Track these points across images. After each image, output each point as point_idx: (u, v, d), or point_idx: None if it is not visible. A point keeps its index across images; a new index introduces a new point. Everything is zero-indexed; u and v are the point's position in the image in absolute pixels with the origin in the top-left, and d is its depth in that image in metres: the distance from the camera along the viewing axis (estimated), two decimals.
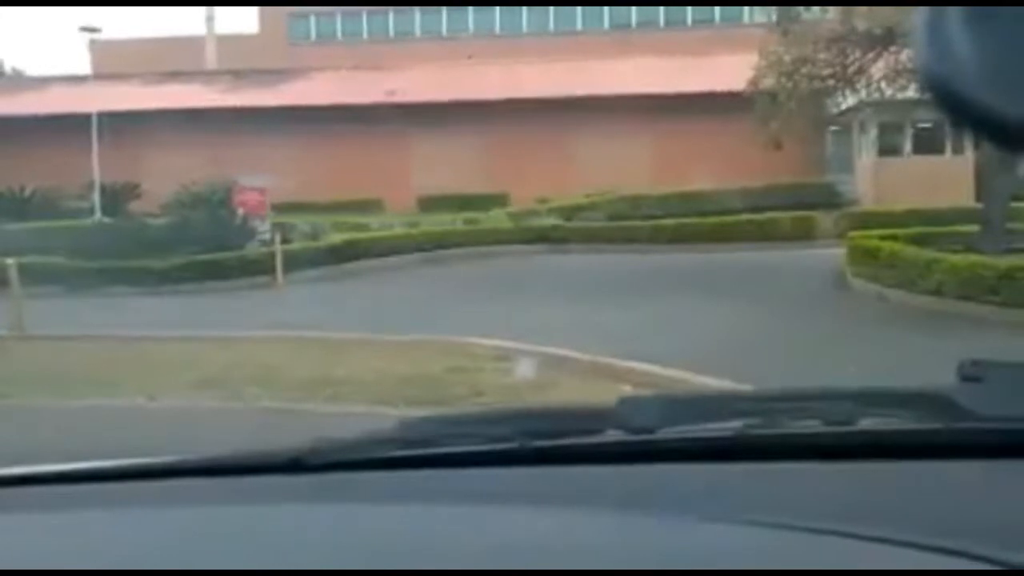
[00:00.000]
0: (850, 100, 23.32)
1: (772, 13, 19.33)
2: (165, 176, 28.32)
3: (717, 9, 38.09)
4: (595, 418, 1.42)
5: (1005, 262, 13.17)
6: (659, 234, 23.17)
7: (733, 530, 1.05)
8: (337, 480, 1.27)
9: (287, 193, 26.23)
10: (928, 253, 14.34)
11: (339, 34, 41.67)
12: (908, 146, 29.08)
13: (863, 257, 15.60)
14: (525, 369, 9.28)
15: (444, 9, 40.45)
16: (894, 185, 26.66)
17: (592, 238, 23.45)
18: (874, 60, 18.02)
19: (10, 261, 13.59)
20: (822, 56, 18.12)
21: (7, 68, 49.03)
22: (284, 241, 19.51)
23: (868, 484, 1.17)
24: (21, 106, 35.30)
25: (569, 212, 25.86)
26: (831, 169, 32.04)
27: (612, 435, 1.32)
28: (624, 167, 30.52)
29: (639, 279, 17.18)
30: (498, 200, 29.84)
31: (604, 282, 16.79)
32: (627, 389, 7.67)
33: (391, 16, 41.14)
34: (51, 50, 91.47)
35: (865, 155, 29.70)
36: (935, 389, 1.34)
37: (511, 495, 1.19)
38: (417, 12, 40.83)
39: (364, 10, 40.96)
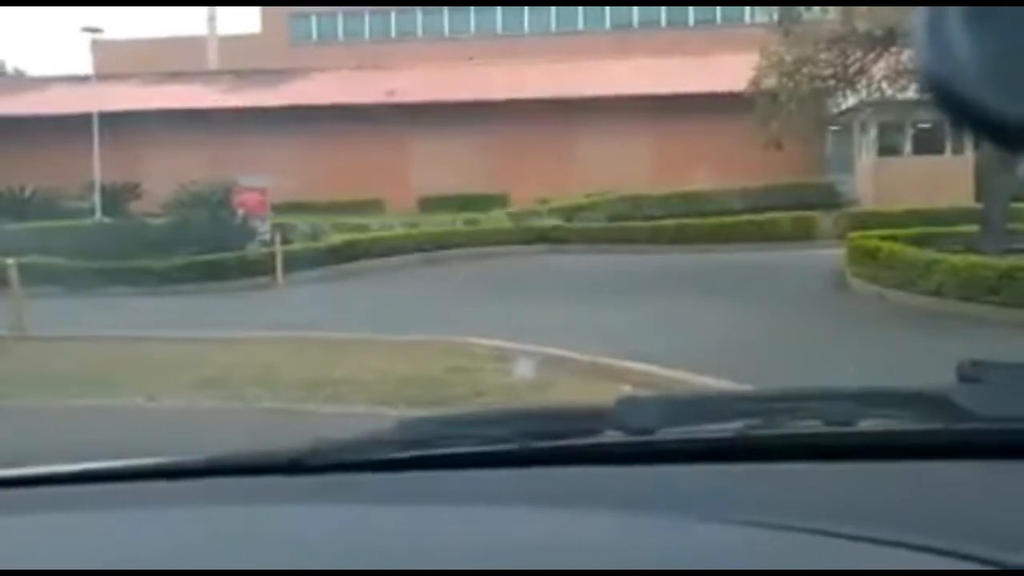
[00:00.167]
0: (850, 100, 23.33)
1: (773, 13, 19.36)
2: (165, 176, 28.34)
3: (718, 9, 38.09)
4: (595, 419, 1.42)
5: (1005, 262, 13.17)
6: (659, 234, 23.17)
7: (733, 530, 1.05)
8: (337, 481, 1.27)
9: (287, 193, 26.25)
10: (928, 253, 14.33)
11: (340, 34, 41.69)
12: (908, 146, 29.09)
13: (863, 257, 15.60)
14: (525, 369, 9.28)
15: (446, 9, 40.46)
16: (894, 185, 26.66)
17: (592, 238, 23.46)
18: (875, 60, 18.02)
19: (10, 261, 13.59)
20: (823, 56, 18.13)
21: (8, 68, 49.08)
22: (284, 241, 19.51)
23: (868, 484, 1.17)
24: (22, 106, 35.32)
25: (569, 212, 25.86)
26: (831, 169, 32.05)
27: (612, 436, 1.32)
28: (624, 167, 30.52)
29: (639, 279, 17.18)
30: (498, 200, 29.86)
31: (604, 282, 16.79)
32: (627, 389, 7.66)
33: (393, 16, 41.15)
34: (53, 50, 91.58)
35: (865, 155, 29.70)
36: (935, 389, 1.34)
37: (511, 496, 1.19)
38: (419, 12, 40.83)
39: (366, 10, 40.97)
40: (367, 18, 41.41)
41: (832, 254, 17.70)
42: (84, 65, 36.25)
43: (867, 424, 1.32)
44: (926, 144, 27.89)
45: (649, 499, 1.14)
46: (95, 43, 36.11)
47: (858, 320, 13.02)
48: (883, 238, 15.76)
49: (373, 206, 30.34)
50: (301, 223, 22.56)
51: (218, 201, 24.56)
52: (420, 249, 21.63)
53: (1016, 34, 0.66)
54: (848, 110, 25.91)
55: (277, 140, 32.30)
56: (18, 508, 1.26)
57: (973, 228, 16.46)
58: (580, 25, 40.11)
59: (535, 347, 10.13)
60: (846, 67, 18.30)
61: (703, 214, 24.65)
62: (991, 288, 12.58)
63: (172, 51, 39.95)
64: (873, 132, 28.95)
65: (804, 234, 22.52)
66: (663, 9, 39.15)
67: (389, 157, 33.02)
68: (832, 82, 18.82)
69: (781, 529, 1.03)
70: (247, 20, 72.85)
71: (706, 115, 30.14)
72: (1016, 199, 17.00)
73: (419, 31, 41.03)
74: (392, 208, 30.59)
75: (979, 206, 17.53)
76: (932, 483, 1.17)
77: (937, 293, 13.28)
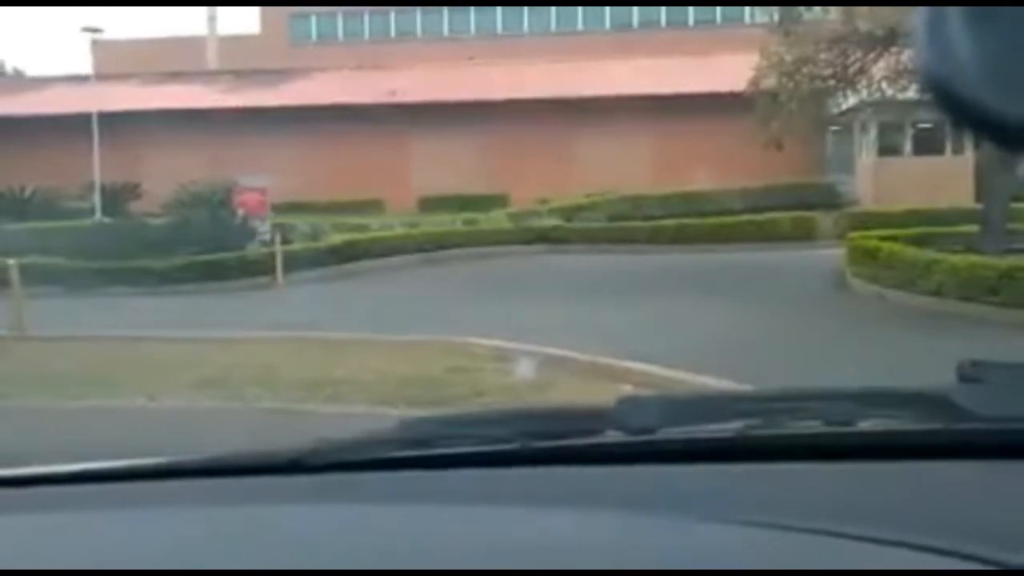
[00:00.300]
0: (851, 100, 23.33)
1: (773, 13, 19.36)
2: (165, 176, 28.36)
3: (718, 9, 38.09)
4: (595, 418, 1.42)
5: (1005, 262, 13.17)
6: (659, 234, 23.18)
7: (733, 530, 1.05)
8: (337, 480, 1.27)
9: (287, 193, 26.26)
10: (928, 253, 14.33)
11: (340, 34, 41.69)
12: (908, 146, 29.10)
13: (863, 257, 15.60)
14: (525, 369, 9.28)
15: (445, 9, 40.45)
16: (894, 185, 26.67)
17: (592, 238, 23.46)
18: (875, 60, 18.02)
19: (11, 261, 13.59)
20: (823, 56, 18.13)
21: (8, 68, 49.08)
22: (284, 241, 19.52)
23: (868, 484, 1.17)
24: (22, 106, 35.33)
25: (569, 212, 25.86)
26: (831, 169, 32.06)
27: (612, 435, 1.32)
28: (624, 167, 30.53)
29: (639, 279, 17.18)
30: (498, 200, 29.87)
31: (604, 282, 16.79)
32: (627, 389, 7.66)
33: (392, 16, 41.14)
34: (53, 50, 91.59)
35: (865, 155, 29.71)
36: (935, 389, 1.34)
37: (511, 496, 1.19)
38: (418, 12, 40.83)
39: (365, 10, 40.97)
40: (367, 18, 41.41)
41: (832, 254, 17.71)
42: (84, 65, 36.20)
43: (867, 424, 1.32)
44: (926, 144, 27.90)
45: (649, 499, 1.14)
46: (95, 43, 36.10)
47: (858, 320, 13.02)
48: (883, 238, 15.76)
49: (373, 206, 30.34)
50: (301, 223, 22.56)
51: (218, 201, 24.57)
52: (420, 249, 21.63)
53: (1016, 34, 0.66)
54: (848, 110, 25.91)
55: (277, 140, 32.30)
56: (18, 508, 1.26)
57: (973, 228, 16.46)
58: (580, 25, 40.11)
59: (535, 347, 10.13)
60: (846, 67, 18.31)
61: (703, 214, 24.65)
62: (991, 288, 12.58)
63: (172, 51, 39.95)
64: (873, 132, 28.95)
65: (804, 234, 22.53)
66: (663, 9, 39.15)
67: (389, 157, 33.02)
68: (832, 82, 18.83)
69: (781, 529, 1.03)
70: (247, 20, 72.84)
71: (706, 115, 30.14)
72: (1016, 199, 17.00)
73: (419, 31, 41.03)
74: (392, 208, 30.60)
75: (979, 206, 17.54)
76: (932, 483, 1.17)
77: (937, 293, 13.28)
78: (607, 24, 39.89)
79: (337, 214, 25.85)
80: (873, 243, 15.54)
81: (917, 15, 0.69)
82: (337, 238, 21.26)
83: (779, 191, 27.11)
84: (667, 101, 31.88)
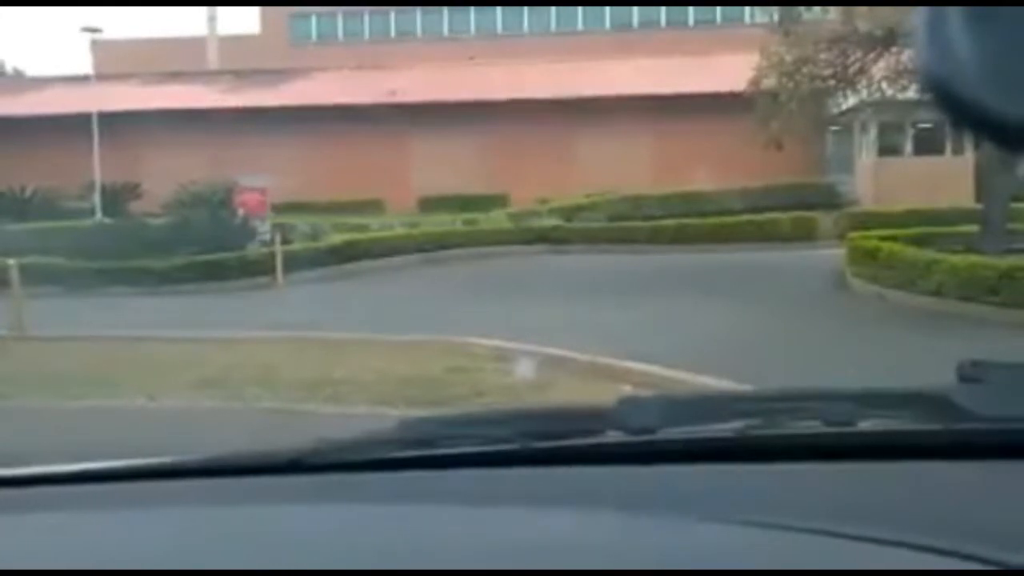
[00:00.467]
0: (851, 100, 23.33)
1: (773, 13, 19.35)
2: (165, 176, 28.36)
3: (718, 9, 38.10)
4: (595, 419, 1.42)
5: (1005, 262, 13.17)
6: (659, 234, 23.18)
7: (733, 530, 1.05)
8: (338, 480, 1.27)
9: (287, 193, 26.25)
10: (928, 253, 14.34)
11: (340, 34, 41.69)
12: (908, 146, 29.10)
13: (863, 257, 15.60)
14: (525, 369, 9.28)
15: (445, 9, 40.46)
16: (894, 185, 26.67)
17: (592, 239, 23.46)
18: (875, 60, 18.02)
19: (11, 261, 13.59)
20: (823, 56, 18.13)
21: (8, 68, 49.08)
22: (284, 241, 19.52)
23: (868, 484, 1.17)
24: (22, 106, 35.33)
25: (569, 212, 25.86)
26: (831, 169, 32.06)
27: (612, 436, 1.32)
28: (624, 167, 30.53)
29: (639, 279, 17.18)
30: (498, 201, 29.87)
31: (604, 282, 16.79)
32: (627, 389, 7.66)
33: (392, 16, 41.15)
34: (52, 50, 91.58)
35: (865, 155, 29.71)
36: (935, 390, 1.34)
37: (511, 496, 1.19)
38: (418, 12, 40.83)
39: (365, 10, 40.97)
40: (367, 18, 41.41)
41: (832, 254, 17.71)
42: (84, 65, 36.20)
43: (867, 424, 1.32)
44: (926, 144, 27.90)
45: (649, 499, 1.14)
46: (95, 43, 36.11)
47: (858, 320, 13.02)
48: (883, 238, 15.76)
49: (373, 206, 30.34)
50: (301, 223, 22.56)
51: (218, 201, 24.57)
52: (420, 249, 21.63)
53: (1016, 34, 0.65)
54: (848, 110, 25.91)
55: (277, 140, 32.30)
56: (18, 508, 1.26)
57: (973, 228, 16.46)
58: (580, 25, 40.11)
59: (535, 347, 10.13)
60: (846, 67, 18.31)
61: (703, 214, 24.65)
62: (991, 288, 12.58)
63: (172, 51, 39.96)
64: (873, 132, 28.95)
65: (804, 234, 22.53)
66: (663, 9, 39.15)
67: (389, 157, 33.02)
68: (832, 82, 18.83)
69: (781, 529, 1.03)
70: (247, 20, 72.84)
71: (706, 115, 30.14)
72: (1016, 199, 17.00)
73: (419, 31, 41.03)
74: (392, 208, 30.60)
75: (979, 206, 17.54)
76: (932, 483, 1.17)
77: (937, 293, 13.28)
78: (607, 24, 39.89)
79: (337, 214, 25.86)
80: (873, 243, 15.54)
81: (917, 15, 0.69)
82: (337, 238, 21.27)
83: (779, 191, 27.11)
84: (667, 101, 31.88)
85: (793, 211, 23.87)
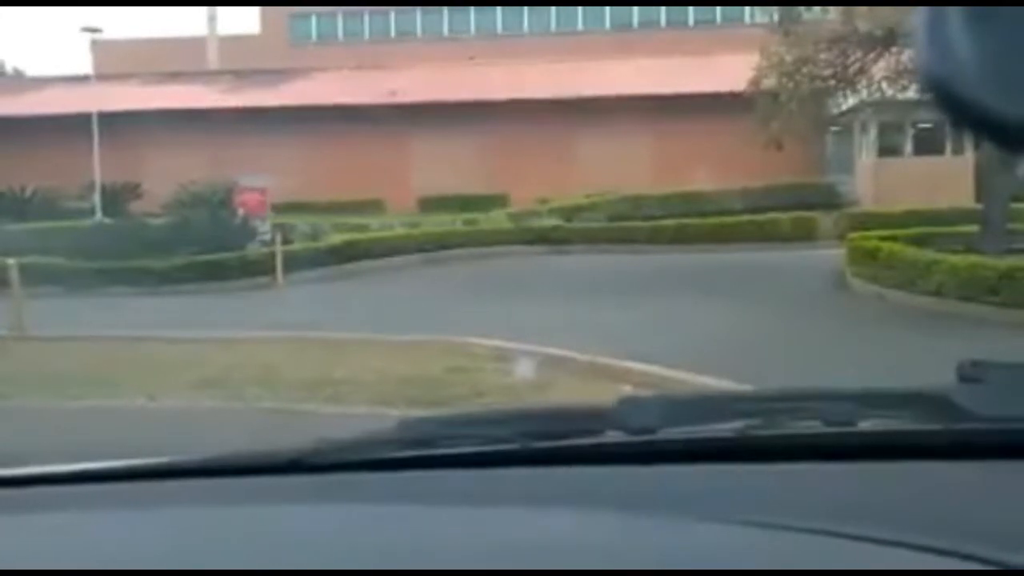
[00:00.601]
0: (851, 100, 23.33)
1: (773, 13, 19.35)
2: (166, 176, 28.35)
3: (718, 9, 38.10)
4: (595, 419, 1.42)
5: (1005, 262, 13.17)
6: (659, 234, 23.18)
7: (733, 530, 1.05)
8: (338, 480, 1.27)
9: (287, 193, 26.25)
10: (928, 254, 14.34)
11: (340, 34, 41.69)
12: (908, 146, 29.09)
13: (863, 258, 15.60)
14: (525, 369, 9.28)
15: (445, 9, 40.46)
16: (894, 185, 26.66)
17: (592, 239, 23.45)
18: (875, 60, 18.02)
19: (11, 261, 13.60)
20: (823, 56, 18.13)
21: (8, 68, 49.07)
22: (284, 241, 19.52)
23: (868, 484, 1.17)
24: (22, 106, 35.32)
25: (569, 213, 25.86)
26: (831, 169, 32.05)
27: (612, 436, 1.32)
28: (625, 167, 30.53)
29: (639, 279, 17.18)
30: (498, 201, 29.87)
31: (604, 282, 16.79)
32: (627, 389, 7.66)
33: (392, 16, 41.14)
34: (52, 50, 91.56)
35: (865, 155, 29.70)
36: (935, 390, 1.34)
37: (511, 496, 1.19)
38: (418, 12, 40.83)
39: (365, 10, 40.97)
40: (367, 18, 41.41)
41: (832, 254, 17.71)
42: (84, 65, 36.21)
43: (867, 424, 1.32)
44: (926, 144, 27.89)
45: (649, 499, 1.14)
46: (95, 43, 36.10)
47: (858, 320, 13.02)
48: (883, 238, 15.76)
49: (373, 206, 30.34)
50: (301, 223, 22.56)
51: (218, 201, 24.57)
52: (420, 249, 21.64)
53: (1016, 34, 0.65)
54: (848, 110, 25.91)
55: (277, 140, 32.30)
56: (18, 508, 1.26)
57: (973, 228, 16.46)
58: (580, 25, 40.11)
59: (535, 347, 10.13)
60: (846, 67, 18.31)
61: (703, 214, 24.65)
62: (991, 288, 12.59)
63: (172, 51, 39.95)
64: (873, 132, 28.94)
65: (804, 234, 22.53)
66: (663, 9, 39.15)
67: (389, 157, 33.02)
68: (832, 82, 18.83)
69: (781, 529, 1.03)
70: (247, 20, 72.82)
71: (706, 115, 30.14)
72: (1016, 199, 17.00)
73: (419, 31, 41.02)
74: (392, 208, 30.60)
75: (979, 206, 17.53)
76: (932, 483, 1.17)
77: (937, 293, 13.28)
78: (607, 24, 39.89)
79: (337, 214, 25.86)
80: (873, 243, 15.54)
81: (917, 15, 0.69)
82: (337, 238, 21.27)
83: (779, 191, 27.11)
84: (667, 101, 31.88)
85: (793, 211, 23.87)
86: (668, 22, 39.31)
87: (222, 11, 49.01)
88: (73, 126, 31.63)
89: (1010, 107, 0.65)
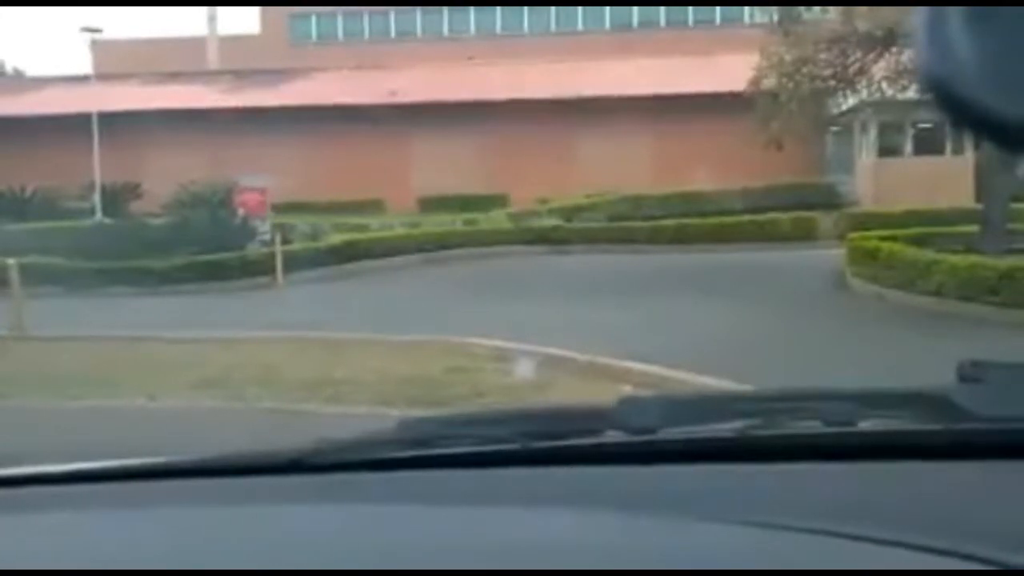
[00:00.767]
0: (851, 100, 23.33)
1: (773, 13, 19.35)
2: (166, 176, 28.34)
3: (718, 9, 38.09)
4: (595, 419, 1.42)
5: (1005, 262, 13.17)
6: (659, 234, 23.18)
7: (733, 530, 1.05)
8: (338, 480, 1.27)
9: (287, 193, 26.25)
10: (928, 254, 14.33)
11: (340, 34, 41.69)
12: (908, 146, 29.09)
13: (863, 258, 15.60)
14: (525, 369, 9.28)
15: (445, 9, 40.45)
16: (894, 186, 26.66)
17: (592, 239, 23.45)
18: (875, 61, 18.02)
19: (11, 261, 13.60)
20: (823, 56, 18.13)
21: (8, 68, 49.07)
22: (284, 241, 19.52)
23: (868, 484, 1.17)
24: (22, 106, 35.32)
25: (569, 213, 25.86)
26: (831, 169, 32.05)
27: (612, 436, 1.32)
28: (625, 167, 30.53)
29: (639, 279, 17.18)
30: (498, 201, 29.87)
31: (604, 282, 16.79)
32: (627, 389, 7.66)
33: (392, 16, 41.14)
34: (52, 50, 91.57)
35: (865, 155, 29.70)
36: (935, 390, 1.34)
37: (511, 496, 1.19)
38: (418, 12, 40.83)
39: (365, 10, 40.97)
40: (367, 18, 41.40)
41: (832, 254, 17.71)
42: (84, 65, 36.21)
43: (867, 424, 1.32)
44: (926, 144, 27.89)
45: (649, 499, 1.14)
46: (95, 43, 36.09)
47: (858, 320, 13.02)
48: (883, 238, 15.76)
49: (373, 206, 30.34)
50: (301, 223, 22.56)
51: (218, 201, 24.55)
52: (420, 249, 21.63)
53: (1016, 34, 0.65)
54: (848, 110, 25.91)
55: (277, 140, 32.30)
56: (18, 508, 1.26)
57: (973, 228, 16.45)
58: (580, 25, 40.11)
59: (535, 347, 10.13)
60: (846, 67, 18.31)
61: (703, 214, 24.65)
62: (991, 288, 12.58)
63: (172, 51, 39.95)
64: (873, 132, 28.94)
65: (804, 234, 22.53)
66: (663, 9, 39.15)
67: (389, 157, 33.02)
68: (832, 82, 18.83)
69: (781, 529, 1.03)
70: (247, 20, 72.83)
71: (706, 115, 30.14)
72: (1016, 199, 16.99)
73: (419, 31, 41.02)
74: (392, 208, 30.61)
75: (979, 206, 17.53)
76: (932, 483, 1.17)
77: (937, 293, 13.28)
78: (607, 24, 39.89)
79: (337, 214, 25.86)
80: (873, 243, 15.54)
81: (917, 15, 0.69)
82: (337, 238, 21.27)
83: (779, 191, 27.11)
84: (667, 101, 31.88)
85: (793, 211, 23.87)
86: (668, 22, 39.30)
87: (222, 11, 49.03)
88: (73, 126, 31.63)
89: (1010, 107, 0.65)
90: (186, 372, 9.52)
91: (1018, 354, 1.42)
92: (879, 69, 18.19)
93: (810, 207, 24.83)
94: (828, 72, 18.39)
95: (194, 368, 9.68)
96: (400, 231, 23.37)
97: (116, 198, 31.25)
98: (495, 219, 25.77)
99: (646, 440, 1.28)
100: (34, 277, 14.67)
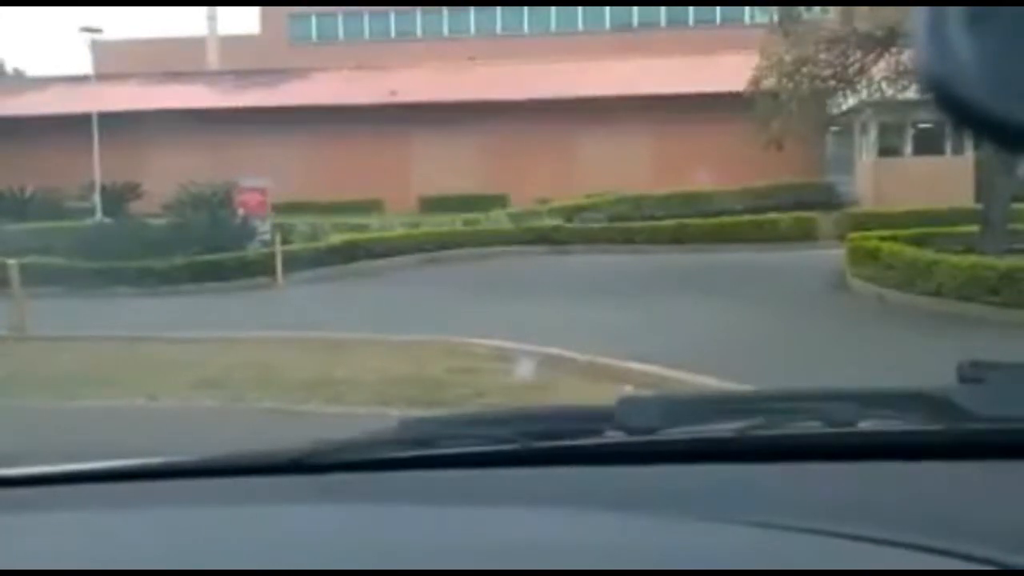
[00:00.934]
0: (851, 101, 23.32)
1: (773, 13, 19.35)
2: (166, 176, 28.34)
3: (718, 9, 38.10)
4: (595, 419, 1.42)
5: (1005, 263, 13.17)
6: (660, 235, 23.17)
7: (733, 530, 1.05)
8: (338, 480, 1.27)
9: (287, 193, 26.25)
10: (928, 254, 14.33)
11: (340, 34, 41.69)
12: (908, 147, 29.07)
13: (863, 258, 15.59)
14: (526, 369, 9.28)
15: (445, 9, 40.46)
16: (894, 186, 26.66)
17: (593, 239, 23.45)
18: (875, 61, 18.02)
19: (11, 261, 13.61)
20: (823, 57, 18.13)
21: (8, 68, 49.06)
22: (284, 241, 19.52)
23: (868, 484, 1.17)
24: (22, 106, 35.34)
25: (570, 213, 25.87)
26: (831, 170, 32.04)
27: (612, 436, 1.32)
28: (625, 168, 30.53)
29: (640, 280, 17.17)
30: (499, 201, 29.86)
31: (605, 283, 16.79)
32: (627, 389, 7.66)
33: (392, 16, 41.15)
34: (52, 50, 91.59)
35: (865, 156, 29.70)
36: (935, 390, 1.34)
37: (511, 496, 1.19)
38: (418, 12, 40.83)
39: (365, 10, 40.97)
40: (367, 18, 41.41)
41: (832, 254, 17.70)
42: (84, 65, 36.21)
43: (867, 424, 1.32)
44: (926, 144, 27.88)
45: (649, 499, 1.14)
46: (94, 43, 36.10)
47: (858, 320, 13.02)
48: (883, 239, 15.75)
49: (373, 206, 30.34)
50: (301, 223, 22.56)
51: (218, 201, 24.55)
52: (420, 249, 21.63)
53: (1016, 34, 0.65)
54: (848, 111, 25.90)
55: (277, 140, 32.30)
56: (18, 508, 1.26)
57: (973, 228, 16.45)
58: (580, 25, 40.11)
59: (535, 347, 10.13)
60: (846, 67, 18.30)
61: (703, 214, 24.65)
62: (991, 288, 12.58)
63: (172, 51, 39.96)
64: (873, 133, 28.93)
65: (804, 234, 22.53)
66: (663, 9, 39.15)
67: (389, 157, 33.03)
68: (832, 82, 18.82)
69: (781, 529, 1.03)
70: (247, 20, 72.87)
71: (706, 115, 30.14)
72: (1016, 199, 16.98)
73: (419, 31, 41.02)
74: (392, 208, 30.61)
75: (979, 206, 17.52)
76: (932, 483, 1.17)
77: (937, 293, 13.27)
78: (607, 24, 39.89)
79: (337, 214, 25.86)
80: (873, 243, 15.53)
81: (917, 15, 0.69)
82: (337, 238, 21.27)
83: (779, 191, 27.12)
84: (667, 101, 31.88)
85: (793, 211, 23.88)
86: (668, 22, 39.31)
87: (222, 11, 49.05)
88: (73, 126, 31.64)
89: (1010, 107, 0.65)
90: (186, 372, 9.52)
91: (1018, 354, 1.41)
92: (879, 69, 18.19)
93: (810, 207, 24.84)
94: (828, 72, 18.39)
95: (194, 368, 9.68)
96: (400, 231, 23.36)
97: (116, 198, 31.25)
98: (495, 219, 25.76)
99: (646, 440, 1.28)
100: (34, 277, 14.67)
